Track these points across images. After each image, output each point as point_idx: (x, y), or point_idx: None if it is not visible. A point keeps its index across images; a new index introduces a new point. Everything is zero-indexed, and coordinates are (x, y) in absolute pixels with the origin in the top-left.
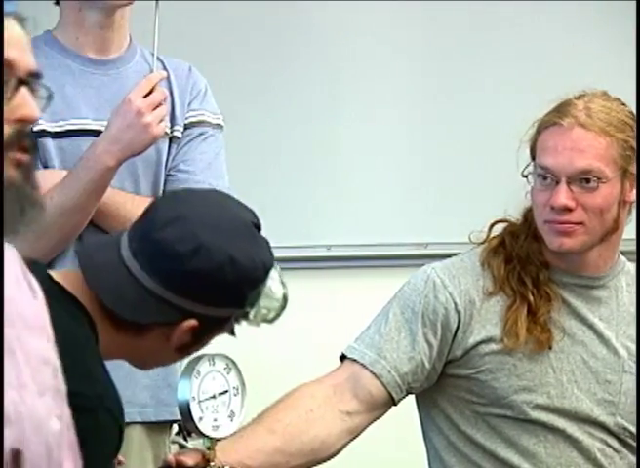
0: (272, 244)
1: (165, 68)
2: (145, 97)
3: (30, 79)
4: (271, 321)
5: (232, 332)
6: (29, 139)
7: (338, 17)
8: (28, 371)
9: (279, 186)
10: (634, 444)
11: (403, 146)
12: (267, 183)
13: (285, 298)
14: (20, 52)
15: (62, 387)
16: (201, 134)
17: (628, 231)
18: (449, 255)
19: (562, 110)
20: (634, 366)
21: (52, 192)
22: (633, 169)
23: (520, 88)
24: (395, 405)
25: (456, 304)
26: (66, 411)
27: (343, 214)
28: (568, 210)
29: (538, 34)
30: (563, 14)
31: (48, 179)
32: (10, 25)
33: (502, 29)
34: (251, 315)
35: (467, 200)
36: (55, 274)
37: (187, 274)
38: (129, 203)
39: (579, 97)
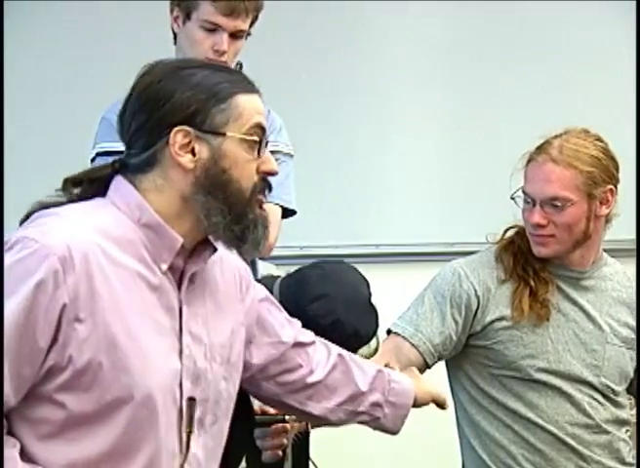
0: (331, 243)
1: None
2: None
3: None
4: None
5: None
6: (268, 185)
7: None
8: None
9: (338, 197)
10: (615, 398)
11: (437, 168)
12: (327, 195)
13: (377, 349)
14: (265, 120)
15: None
16: (275, 160)
17: (629, 231)
18: (471, 252)
19: (541, 148)
20: (615, 338)
21: None
22: (598, 192)
23: (538, 113)
24: (429, 368)
25: (476, 291)
26: None
27: (389, 220)
28: (541, 226)
29: (563, 57)
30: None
31: None
32: (257, 99)
33: (525, 51)
34: None
35: (485, 210)
36: None
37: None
38: None
39: (557, 136)
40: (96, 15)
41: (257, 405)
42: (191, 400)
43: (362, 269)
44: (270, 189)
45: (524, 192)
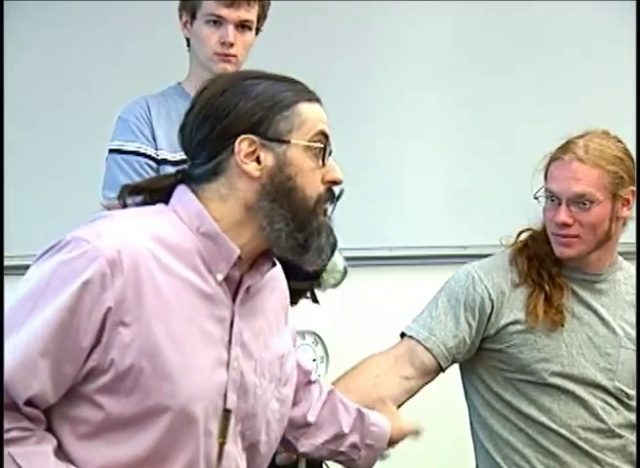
0: (349, 246)
1: None
2: None
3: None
4: (335, 286)
5: (315, 300)
6: (333, 195)
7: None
8: None
9: (353, 201)
10: (629, 402)
11: (450, 171)
12: (344, 198)
13: (345, 270)
14: (328, 128)
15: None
16: None
17: (629, 235)
18: (484, 256)
19: (565, 147)
20: (629, 342)
21: None
22: (622, 193)
23: (555, 114)
24: (443, 371)
25: (490, 294)
26: None
27: (403, 224)
28: (567, 225)
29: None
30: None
31: None
32: (319, 107)
33: (534, 57)
34: (322, 284)
35: (498, 213)
36: None
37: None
38: None
39: (581, 136)
40: (96, 15)
41: None
42: (227, 411)
43: (376, 272)
44: (334, 199)
45: (548, 191)
